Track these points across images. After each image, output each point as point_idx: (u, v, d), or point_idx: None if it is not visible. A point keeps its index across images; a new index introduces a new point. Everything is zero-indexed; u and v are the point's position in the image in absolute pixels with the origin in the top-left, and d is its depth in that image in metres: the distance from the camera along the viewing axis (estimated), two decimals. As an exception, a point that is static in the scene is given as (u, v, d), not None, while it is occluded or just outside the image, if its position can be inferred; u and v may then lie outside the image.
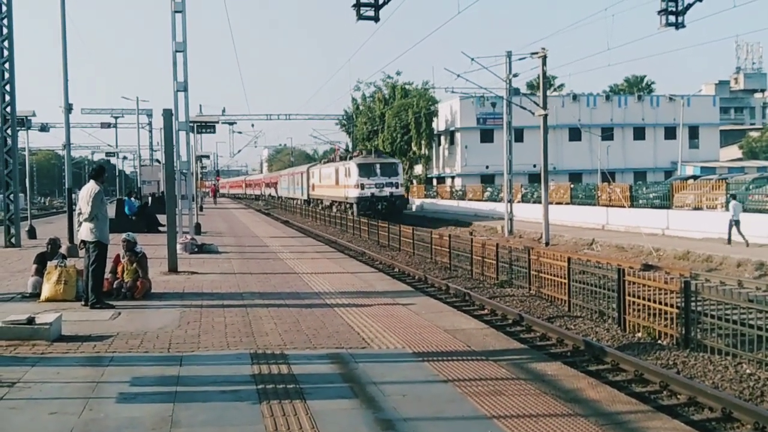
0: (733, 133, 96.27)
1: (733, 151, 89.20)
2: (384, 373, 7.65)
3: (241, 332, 9.74)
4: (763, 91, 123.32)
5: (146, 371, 7.73)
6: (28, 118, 31.00)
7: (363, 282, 15.18)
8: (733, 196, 28.20)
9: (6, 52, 21.79)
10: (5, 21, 21.65)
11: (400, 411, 6.34)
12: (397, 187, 46.48)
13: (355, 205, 45.10)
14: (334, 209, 50.22)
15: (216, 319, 10.71)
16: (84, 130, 66.11)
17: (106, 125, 63.00)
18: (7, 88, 21.97)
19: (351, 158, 50.04)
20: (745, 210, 29.09)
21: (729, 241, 26.64)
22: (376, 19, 13.79)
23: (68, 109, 24.26)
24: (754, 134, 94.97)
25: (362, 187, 45.00)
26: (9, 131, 22.49)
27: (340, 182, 49.79)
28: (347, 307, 11.75)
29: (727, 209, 28.24)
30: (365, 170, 45.75)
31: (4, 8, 21.56)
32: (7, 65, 21.85)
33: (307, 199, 63.29)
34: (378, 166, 46.51)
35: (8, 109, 22.14)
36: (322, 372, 7.73)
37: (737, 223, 26.50)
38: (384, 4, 13.71)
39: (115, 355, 8.41)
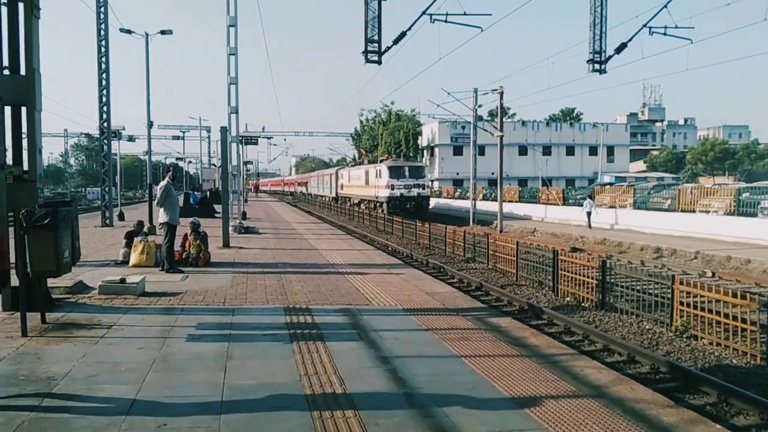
0: (639, 152, 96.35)
1: (640, 165, 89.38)
2: (382, 323, 7.67)
3: (277, 292, 9.75)
4: (662, 121, 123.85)
5: (208, 319, 7.76)
6: (119, 131, 30.83)
7: (366, 257, 15.17)
8: (590, 196, 32.08)
9: (104, 82, 21.71)
10: (104, 58, 21.55)
11: (393, 350, 6.39)
12: (423, 189, 38.83)
13: (385, 204, 37.53)
14: (362, 207, 42.39)
15: (258, 282, 10.72)
16: (159, 141, 65.84)
17: (176, 137, 62.67)
18: (105, 108, 21.89)
19: (381, 161, 41.95)
20: (646, 209, 29.30)
21: (589, 226, 29.75)
22: (379, 62, 13.83)
23: (150, 125, 24.22)
24: (655, 153, 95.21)
25: (392, 187, 37.56)
26: (105, 141, 22.45)
27: (371, 183, 41.81)
28: (354, 275, 11.74)
29: (636, 206, 28.62)
30: (395, 172, 38.26)
31: (103, 49, 21.46)
32: (104, 92, 21.77)
33: (335, 196, 55.00)
34: (407, 168, 38.90)
35: (105, 124, 22.09)
36: (336, 321, 7.75)
37: (589, 214, 30.05)
38: (385, 51, 13.76)
39: (185, 307, 8.44)
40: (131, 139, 37.18)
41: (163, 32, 24.07)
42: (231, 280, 10.86)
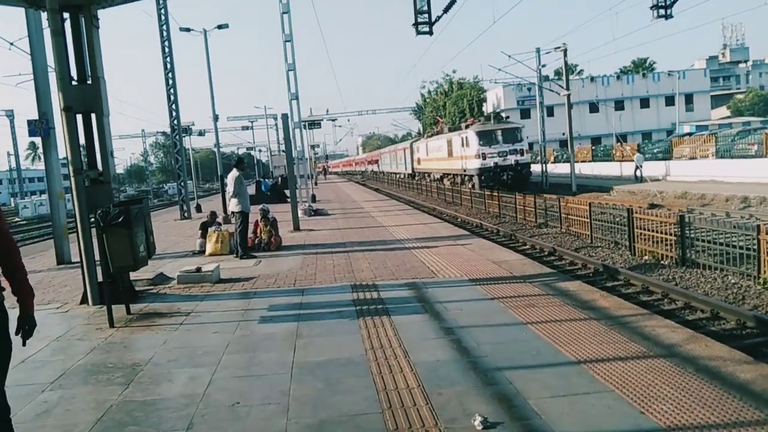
0: (722, 97, 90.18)
1: (723, 111, 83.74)
2: (447, 295, 7.67)
3: (345, 270, 9.92)
4: (746, 62, 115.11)
5: (279, 301, 8.00)
6: (189, 127, 32.05)
7: (432, 230, 15.13)
8: (638, 149, 33.98)
9: (171, 81, 22.59)
10: (168, 59, 22.39)
11: (457, 321, 6.39)
12: (522, 155, 31.75)
13: (476, 177, 31.52)
14: (446, 182, 36.66)
15: (327, 262, 10.94)
16: (229, 132, 67.97)
17: (245, 128, 64.46)
18: (173, 106, 22.82)
19: (467, 126, 34.93)
20: (730, 157, 27.61)
21: (636, 179, 31.38)
22: (430, 33, 13.64)
23: (216, 119, 25.05)
24: (740, 96, 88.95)
25: (483, 156, 31.13)
26: (177, 138, 23.43)
27: (455, 153, 35.10)
28: (420, 249, 11.75)
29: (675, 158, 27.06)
30: (486, 138, 31.70)
31: (166, 50, 22.29)
32: (172, 90, 22.67)
33: (411, 173, 49.33)
34: (499, 132, 31.99)
35: (175, 122, 23.04)
36: (401, 296, 7.81)
37: (640, 167, 31.50)
38: (436, 21, 13.54)
39: (257, 291, 8.74)
40: (201, 133, 38.55)
41: (219, 27, 24.72)
42: (301, 261, 11.15)
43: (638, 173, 31.68)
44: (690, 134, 41.32)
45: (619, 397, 4.15)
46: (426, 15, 13.42)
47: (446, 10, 13.80)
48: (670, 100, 64.97)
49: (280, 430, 4.06)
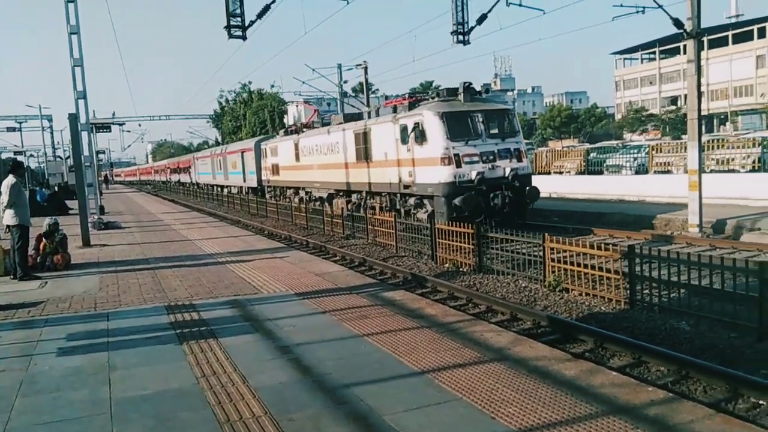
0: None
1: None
2: (275, 311, 7.33)
3: (154, 290, 9.01)
4: (512, 90, 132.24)
5: (79, 328, 6.96)
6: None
7: (245, 243, 14.54)
8: None
9: None
10: None
11: (293, 338, 6.13)
12: (520, 159, 16.51)
13: (442, 201, 15.70)
14: (342, 205, 21.99)
15: (130, 281, 9.85)
16: (-10, 134, 58.60)
17: (11, 129, 56.12)
18: None
19: (412, 106, 17.35)
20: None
21: None
22: (243, 38, 13.16)
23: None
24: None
25: (458, 162, 15.42)
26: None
27: (377, 155, 18.81)
28: (236, 263, 11.17)
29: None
30: (459, 126, 15.70)
31: None
32: None
33: (256, 187, 33.68)
34: (480, 116, 16.06)
35: None
36: (225, 315, 7.29)
37: None
38: (249, 26, 13.11)
39: (49, 317, 7.52)
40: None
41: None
42: (99, 281, 9.90)
43: None
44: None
45: (468, 404, 4.27)
46: (239, 18, 12.93)
47: (260, 15, 13.44)
48: (454, 121, 71.38)
49: (110, 483, 3.44)
